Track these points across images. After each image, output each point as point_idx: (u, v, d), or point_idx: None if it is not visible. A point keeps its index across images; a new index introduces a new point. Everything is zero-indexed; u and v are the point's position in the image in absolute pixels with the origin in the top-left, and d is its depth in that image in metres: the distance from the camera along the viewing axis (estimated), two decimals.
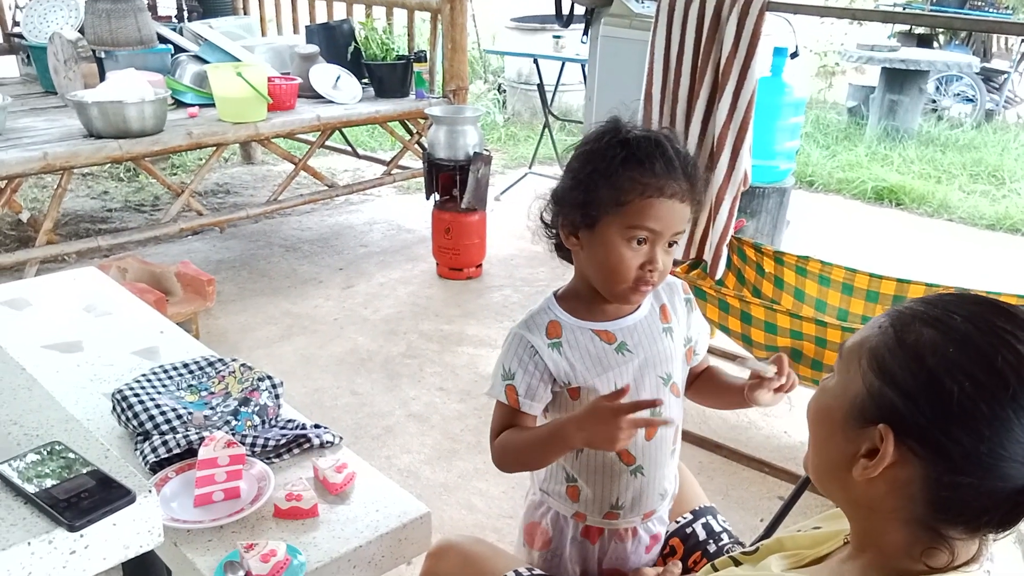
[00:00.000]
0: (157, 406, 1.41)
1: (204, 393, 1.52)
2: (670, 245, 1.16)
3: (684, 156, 1.15)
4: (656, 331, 1.25)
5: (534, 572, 1.25)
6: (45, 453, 0.91)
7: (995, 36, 7.83)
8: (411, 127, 4.19)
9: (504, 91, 6.95)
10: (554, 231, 1.23)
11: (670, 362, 1.25)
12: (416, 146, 4.13)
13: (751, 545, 1.17)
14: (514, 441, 1.21)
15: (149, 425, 1.38)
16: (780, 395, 1.22)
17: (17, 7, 4.47)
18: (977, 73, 6.90)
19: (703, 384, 1.38)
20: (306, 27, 4.42)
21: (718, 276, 2.50)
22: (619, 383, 1.20)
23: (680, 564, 1.30)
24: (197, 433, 1.36)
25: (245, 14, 4.95)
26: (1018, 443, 0.71)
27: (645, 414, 1.15)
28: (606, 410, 1.06)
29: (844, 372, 0.83)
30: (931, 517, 0.76)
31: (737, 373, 1.34)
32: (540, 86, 5.05)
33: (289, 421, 1.49)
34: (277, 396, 1.51)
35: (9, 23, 4.52)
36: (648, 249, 1.14)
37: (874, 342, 0.80)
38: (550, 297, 1.26)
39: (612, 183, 1.12)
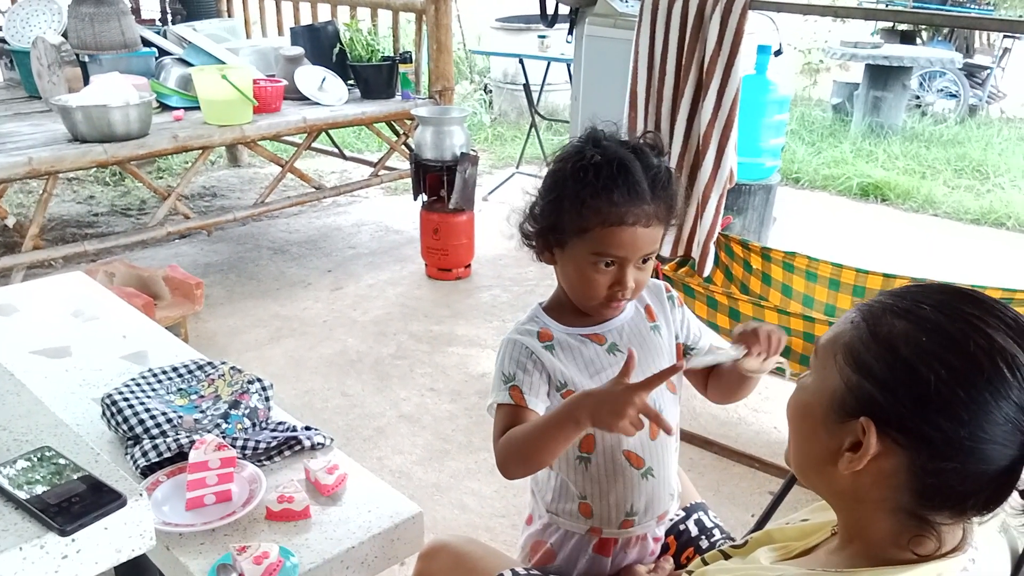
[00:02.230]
0: (147, 410, 1.41)
1: (194, 396, 1.52)
2: (644, 261, 1.16)
3: (655, 175, 1.12)
4: (644, 329, 1.26)
5: (530, 572, 1.25)
6: (35, 459, 0.91)
7: (977, 32, 7.90)
8: (397, 128, 4.19)
9: (490, 91, 6.96)
10: (532, 244, 1.24)
11: (661, 358, 1.26)
12: (403, 147, 4.13)
13: (741, 539, 1.18)
14: (517, 433, 1.13)
15: (139, 429, 1.38)
16: (771, 360, 1.21)
17: None
18: (960, 69, 6.97)
19: (719, 379, 1.33)
20: (291, 29, 4.41)
21: (706, 273, 2.51)
22: None
23: (672, 560, 1.31)
24: (187, 437, 1.36)
25: (229, 16, 4.94)
26: (997, 425, 0.72)
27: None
28: (622, 385, 1.02)
29: (820, 369, 0.84)
30: (917, 504, 0.77)
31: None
32: (526, 86, 5.06)
33: (280, 423, 1.49)
34: (267, 398, 1.51)
35: None
36: (616, 271, 1.14)
37: (847, 337, 0.81)
38: (536, 308, 1.27)
39: (575, 211, 1.12)
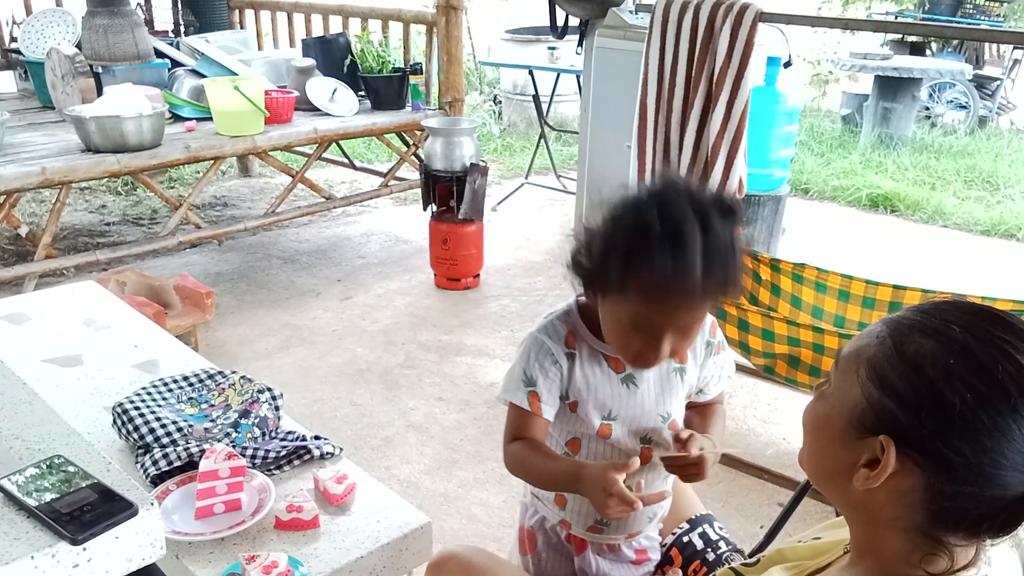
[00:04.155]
0: (157, 419, 1.41)
1: (204, 406, 1.52)
2: (684, 331, 1.10)
3: (714, 246, 1.03)
4: (667, 369, 1.23)
5: None
6: (47, 467, 0.92)
7: (987, 43, 7.88)
8: (408, 139, 4.21)
9: (500, 102, 6.98)
10: (577, 276, 1.19)
11: (672, 401, 1.25)
12: (413, 157, 4.15)
13: (750, 554, 1.17)
14: (529, 460, 1.20)
15: (150, 438, 1.38)
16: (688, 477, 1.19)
17: (14, 23, 4.48)
18: (970, 80, 6.94)
19: (690, 419, 1.32)
20: (302, 41, 4.44)
21: None
22: (615, 412, 1.21)
23: (680, 572, 1.30)
24: (198, 446, 1.37)
25: (242, 28, 4.98)
26: (1018, 452, 0.72)
27: (625, 449, 1.21)
28: (605, 484, 1.05)
29: (841, 381, 0.83)
30: (931, 525, 0.76)
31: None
32: (535, 97, 5.08)
33: (289, 433, 1.49)
34: (277, 408, 1.51)
35: (6, 39, 4.53)
36: (651, 340, 1.09)
37: (872, 352, 0.80)
38: (573, 304, 1.24)
39: (619, 269, 1.06)
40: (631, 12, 3.73)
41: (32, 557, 0.79)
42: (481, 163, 3.57)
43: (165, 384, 1.57)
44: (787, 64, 3.49)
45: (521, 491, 1.38)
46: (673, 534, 1.36)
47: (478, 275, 3.81)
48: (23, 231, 3.15)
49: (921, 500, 0.76)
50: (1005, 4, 7.80)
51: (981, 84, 7.23)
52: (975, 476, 0.73)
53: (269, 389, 1.53)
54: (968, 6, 7.81)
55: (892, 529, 0.79)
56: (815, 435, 0.87)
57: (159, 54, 3.99)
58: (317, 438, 1.48)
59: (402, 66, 4.15)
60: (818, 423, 0.86)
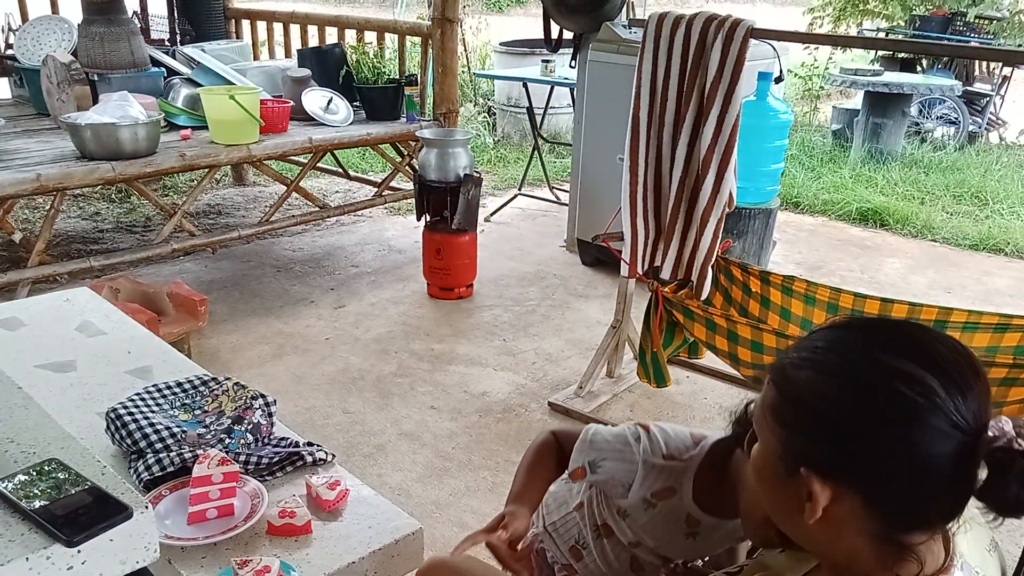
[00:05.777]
0: (151, 424, 1.42)
1: (198, 412, 1.53)
2: None
3: None
4: (736, 535, 1.24)
5: None
6: (41, 471, 0.93)
7: (977, 60, 7.96)
8: (402, 149, 4.23)
9: (494, 114, 7.02)
10: (748, 431, 0.93)
11: (717, 551, 1.28)
12: (407, 168, 4.17)
13: (735, 566, 1.18)
14: (527, 455, 1.35)
15: (143, 443, 1.39)
16: None
17: (10, 30, 4.48)
18: (959, 96, 7.02)
19: None
20: (298, 51, 4.47)
21: (704, 296, 2.53)
22: (661, 551, 1.23)
23: None
24: (191, 451, 1.38)
25: (238, 38, 5.00)
26: (922, 445, 0.75)
27: None
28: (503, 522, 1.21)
29: (759, 432, 0.88)
30: (888, 530, 0.80)
31: None
32: (529, 109, 5.11)
33: (282, 439, 1.50)
34: (270, 414, 1.52)
35: (2, 45, 4.54)
36: None
37: (768, 398, 0.86)
38: (698, 458, 1.18)
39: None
40: (624, 27, 3.77)
41: (27, 559, 0.80)
42: (475, 174, 3.60)
43: (159, 390, 1.58)
44: (778, 79, 3.52)
45: (536, 519, 1.38)
46: None
47: (471, 285, 3.82)
48: (17, 237, 3.16)
49: (869, 514, 0.79)
50: (995, 22, 7.89)
51: (971, 100, 7.31)
52: (902, 478, 0.76)
53: (262, 396, 1.53)
54: (958, 24, 7.90)
55: (856, 544, 0.82)
56: (762, 491, 0.90)
57: (155, 63, 4.00)
58: (310, 444, 1.49)
59: (397, 77, 4.17)
60: (759, 477, 0.90)
